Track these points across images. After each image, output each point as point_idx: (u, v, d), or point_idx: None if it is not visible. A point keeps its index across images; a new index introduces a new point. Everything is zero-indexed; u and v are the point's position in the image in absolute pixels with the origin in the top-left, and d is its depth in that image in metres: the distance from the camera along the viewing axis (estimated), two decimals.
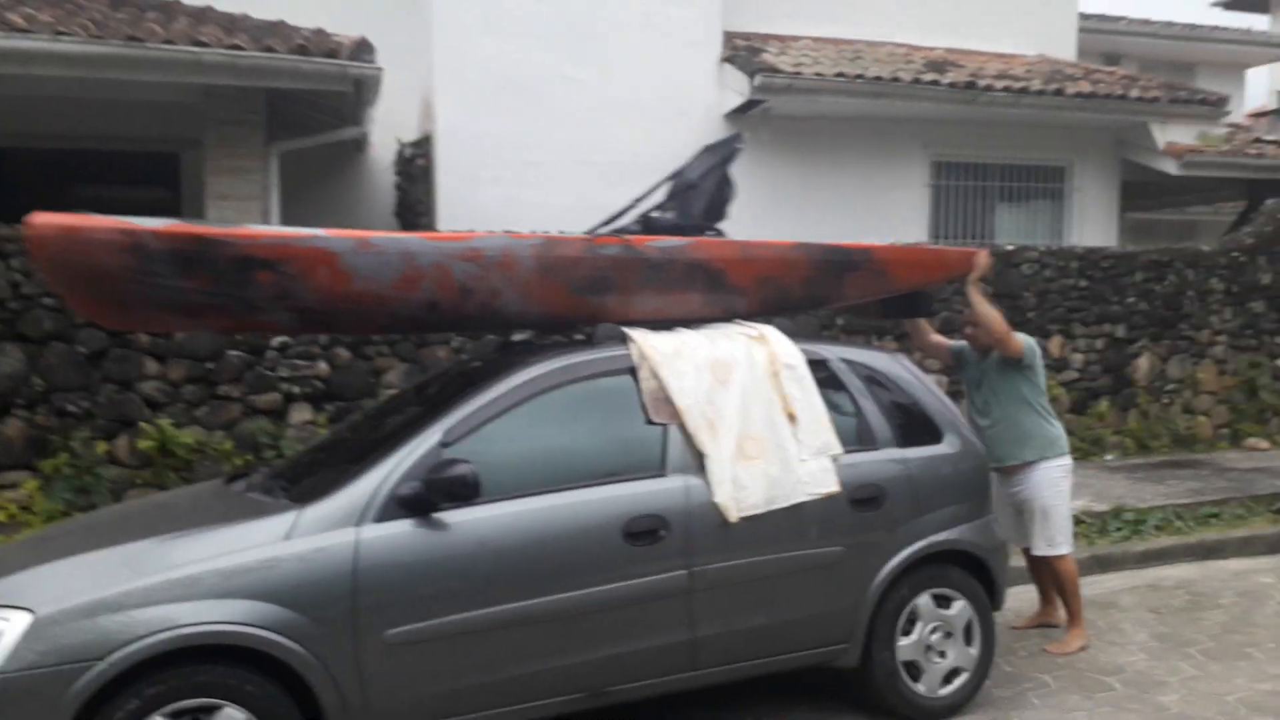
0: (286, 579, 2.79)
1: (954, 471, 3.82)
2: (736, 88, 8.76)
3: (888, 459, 3.68)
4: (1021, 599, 4.62)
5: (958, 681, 3.73)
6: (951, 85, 8.84)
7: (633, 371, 3.41)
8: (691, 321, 3.68)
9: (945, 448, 3.83)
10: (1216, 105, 9.49)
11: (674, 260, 3.57)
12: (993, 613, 3.85)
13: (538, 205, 7.84)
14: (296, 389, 5.77)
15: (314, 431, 5.71)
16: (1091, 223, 10.12)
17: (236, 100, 6.41)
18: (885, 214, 9.16)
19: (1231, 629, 4.60)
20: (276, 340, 5.70)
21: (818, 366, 3.71)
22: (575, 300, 3.48)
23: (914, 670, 3.66)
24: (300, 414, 5.79)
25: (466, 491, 2.91)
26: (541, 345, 3.68)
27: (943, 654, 3.71)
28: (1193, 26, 14.04)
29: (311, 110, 6.88)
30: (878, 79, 8.66)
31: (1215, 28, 14.58)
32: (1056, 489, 4.32)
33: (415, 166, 8.43)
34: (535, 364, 3.34)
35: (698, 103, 9.00)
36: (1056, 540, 4.31)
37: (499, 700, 3.02)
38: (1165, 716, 3.66)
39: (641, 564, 3.21)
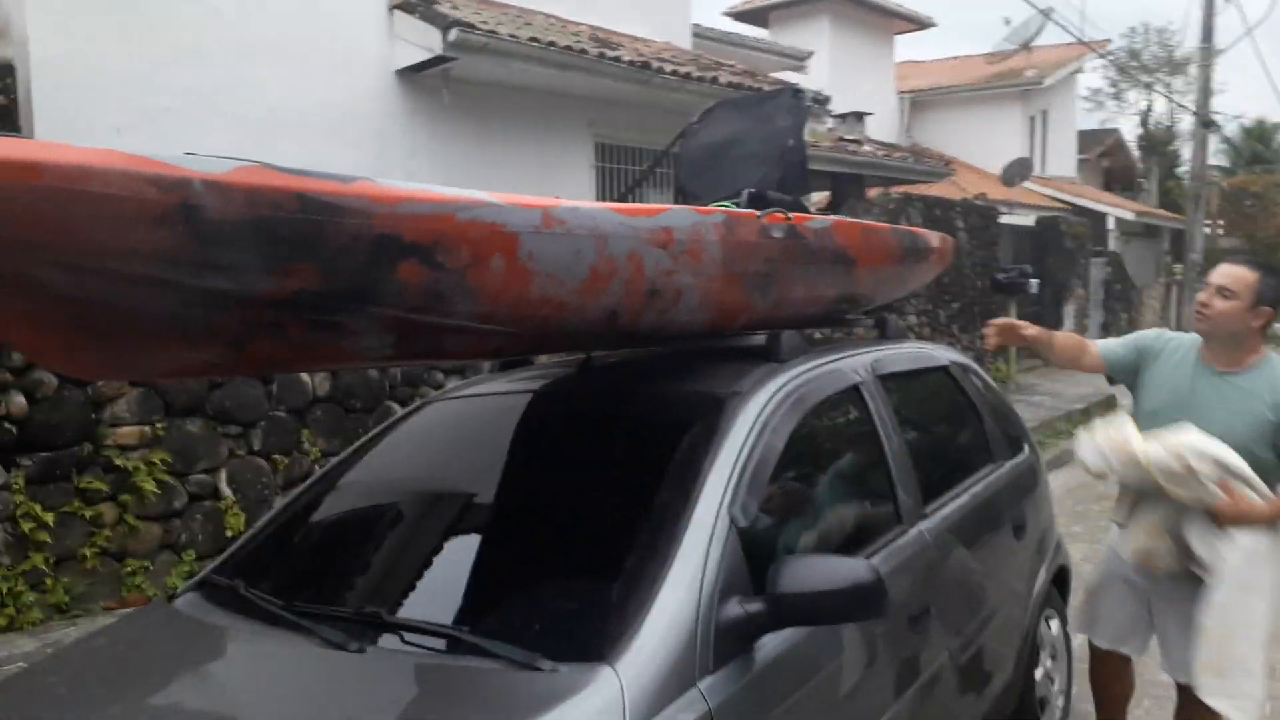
0: None
1: (1040, 480, 3.59)
2: (418, 41, 7.59)
3: (1012, 474, 3.33)
4: None
5: (1061, 702, 3.52)
6: (630, 63, 8.58)
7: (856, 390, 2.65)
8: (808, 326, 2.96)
9: (1030, 454, 3.58)
10: (824, 104, 10.49)
11: (824, 246, 2.82)
12: None
13: None
14: None
15: (10, 502, 3.68)
16: None
17: None
18: (557, 193, 8.66)
19: None
20: None
21: (938, 373, 3.21)
22: (745, 303, 2.57)
23: (1045, 705, 3.38)
24: None
25: (871, 609, 1.93)
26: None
27: (1053, 679, 3.47)
28: (728, 33, 15.48)
29: None
30: (568, 49, 8.10)
31: (737, 34, 16.25)
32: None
33: None
34: (773, 379, 2.42)
35: (364, 54, 7.70)
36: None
37: None
38: None
39: (923, 652, 2.47)
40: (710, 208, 2.51)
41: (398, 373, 5.77)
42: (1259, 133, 36.18)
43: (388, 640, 1.95)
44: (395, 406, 5.59)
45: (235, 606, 2.18)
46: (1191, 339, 2.99)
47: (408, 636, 1.94)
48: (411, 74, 7.83)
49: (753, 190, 2.93)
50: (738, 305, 2.56)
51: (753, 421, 2.27)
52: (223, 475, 4.81)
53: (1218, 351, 2.88)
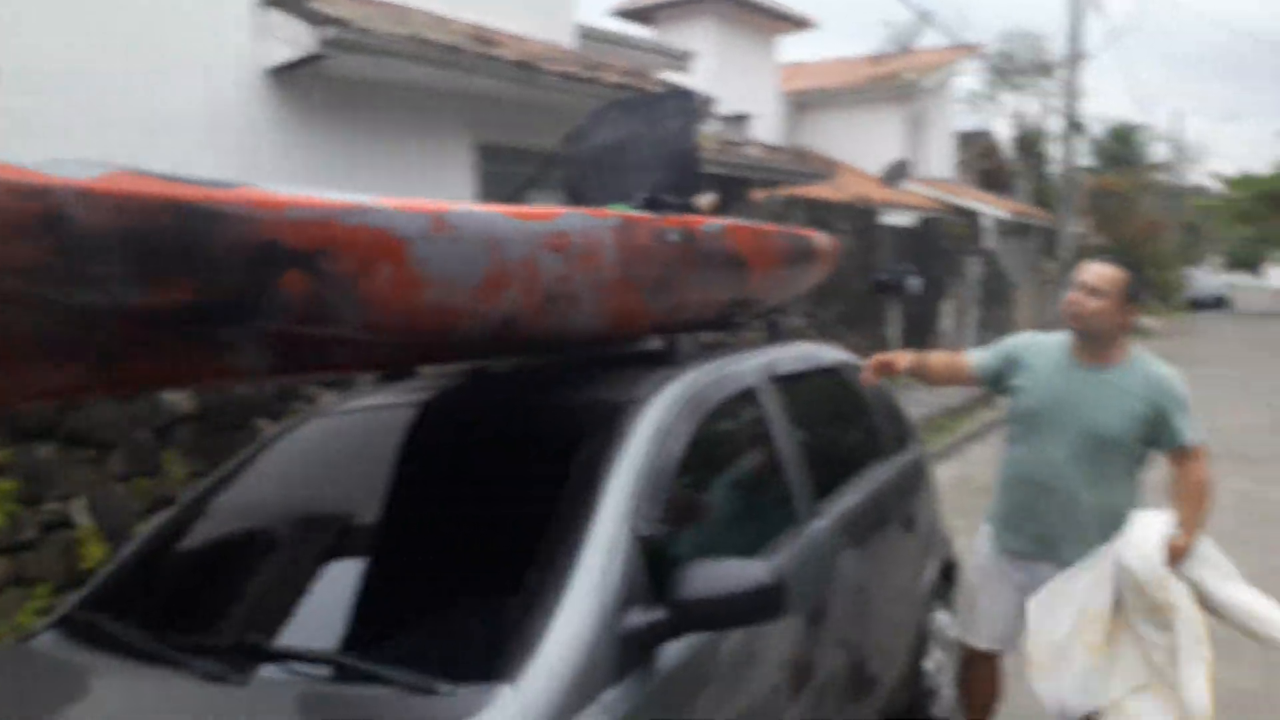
0: None
1: (926, 476, 3.72)
2: (290, 39, 7.37)
3: (899, 470, 3.45)
4: None
5: (950, 691, 3.66)
6: (516, 63, 8.54)
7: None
8: (702, 330, 3.01)
9: (916, 450, 3.71)
10: (708, 105, 10.65)
11: (719, 250, 2.87)
12: None
13: None
14: None
15: None
16: None
17: None
18: (437, 196, 8.56)
19: None
20: None
21: (828, 373, 3.31)
22: (642, 307, 2.59)
23: (934, 695, 3.51)
24: None
25: (772, 611, 1.97)
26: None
27: (942, 669, 3.61)
28: (612, 33, 15.55)
29: None
30: (449, 48, 8.00)
31: (621, 34, 16.34)
32: None
33: None
34: (673, 378, 2.46)
35: (231, 53, 7.44)
36: None
37: None
38: None
39: (820, 648, 2.54)
40: (605, 210, 2.52)
41: (269, 388, 5.59)
42: (1121, 135, 38.37)
43: (273, 671, 1.89)
44: (266, 424, 5.42)
45: (102, 643, 2.07)
46: (1060, 339, 3.12)
47: (295, 666, 1.88)
48: (284, 73, 7.61)
49: (647, 194, 2.96)
50: (634, 310, 2.57)
51: (651, 428, 2.29)
52: (79, 503, 4.57)
53: (1088, 349, 3.02)
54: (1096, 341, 3.00)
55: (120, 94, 6.60)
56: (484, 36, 9.20)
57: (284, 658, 1.90)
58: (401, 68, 7.86)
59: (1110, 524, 2.93)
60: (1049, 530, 3.00)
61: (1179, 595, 2.76)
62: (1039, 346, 3.16)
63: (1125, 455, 2.97)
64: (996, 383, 3.20)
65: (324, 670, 1.86)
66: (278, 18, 7.45)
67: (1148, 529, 2.84)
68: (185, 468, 4.94)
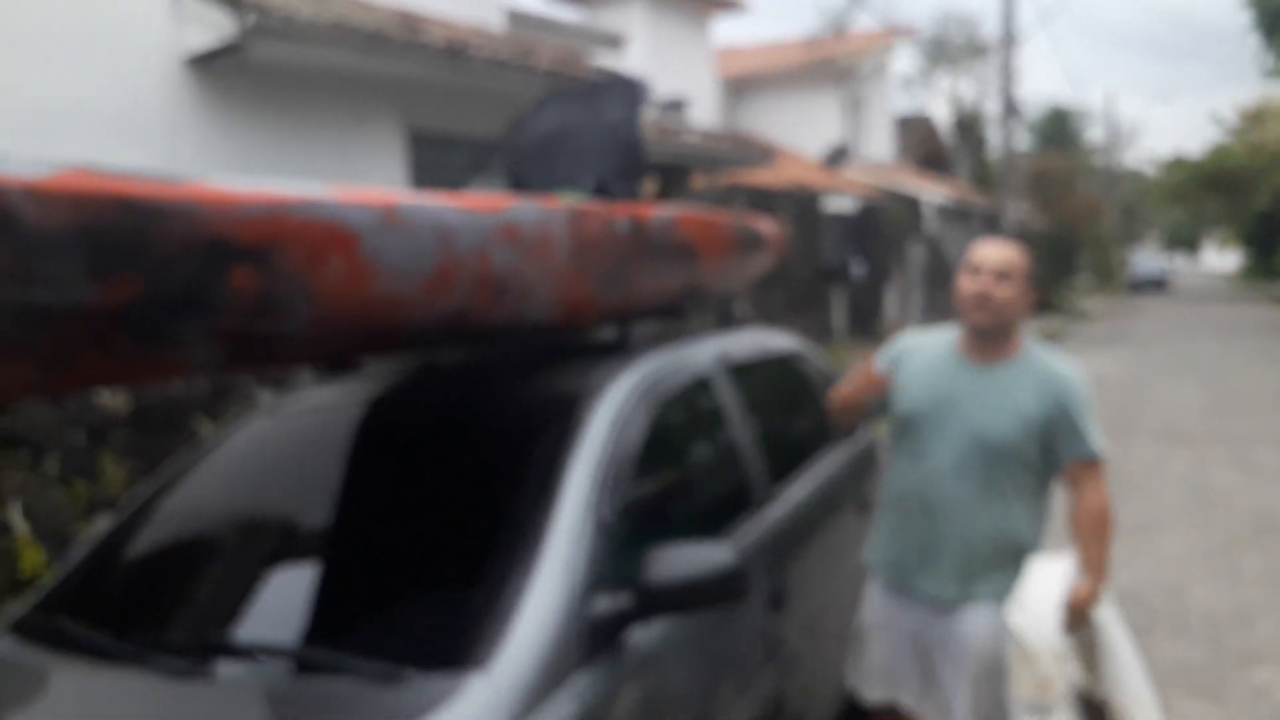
0: None
1: (877, 458, 3.88)
2: (210, 27, 7.31)
3: (851, 452, 3.62)
4: None
5: None
6: (445, 50, 8.57)
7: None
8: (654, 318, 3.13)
9: (866, 433, 3.86)
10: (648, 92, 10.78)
11: (668, 239, 2.99)
12: None
13: None
14: None
15: None
16: None
17: None
18: (368, 185, 8.59)
19: None
20: None
21: (779, 358, 3.45)
22: (594, 297, 2.70)
23: None
24: None
25: (733, 593, 2.09)
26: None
27: None
28: (541, 19, 15.60)
29: None
30: (377, 34, 8.01)
31: (550, 19, 16.40)
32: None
33: None
34: (632, 364, 2.61)
35: (148, 42, 7.36)
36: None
37: None
38: None
39: (780, 629, 2.68)
40: (556, 199, 2.62)
41: (205, 387, 5.59)
42: (1057, 117, 39.49)
43: (238, 666, 1.96)
44: (204, 423, 5.42)
45: (61, 644, 2.12)
46: (945, 335, 2.78)
47: (260, 660, 1.96)
48: (204, 62, 7.55)
49: (597, 183, 3.06)
50: (585, 300, 2.68)
51: (609, 415, 2.40)
52: (15, 506, 4.55)
53: (983, 345, 2.64)
54: (996, 336, 2.61)
55: (24, 87, 6.51)
56: (410, 21, 9.21)
57: (248, 652, 1.97)
58: (327, 54, 7.87)
59: (1006, 557, 2.59)
60: (927, 559, 2.64)
61: (1065, 676, 2.46)
62: (925, 343, 2.79)
63: (1021, 468, 2.58)
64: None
65: (290, 663, 1.93)
66: (196, 5, 7.39)
67: (1046, 586, 2.52)
68: (123, 469, 4.93)
